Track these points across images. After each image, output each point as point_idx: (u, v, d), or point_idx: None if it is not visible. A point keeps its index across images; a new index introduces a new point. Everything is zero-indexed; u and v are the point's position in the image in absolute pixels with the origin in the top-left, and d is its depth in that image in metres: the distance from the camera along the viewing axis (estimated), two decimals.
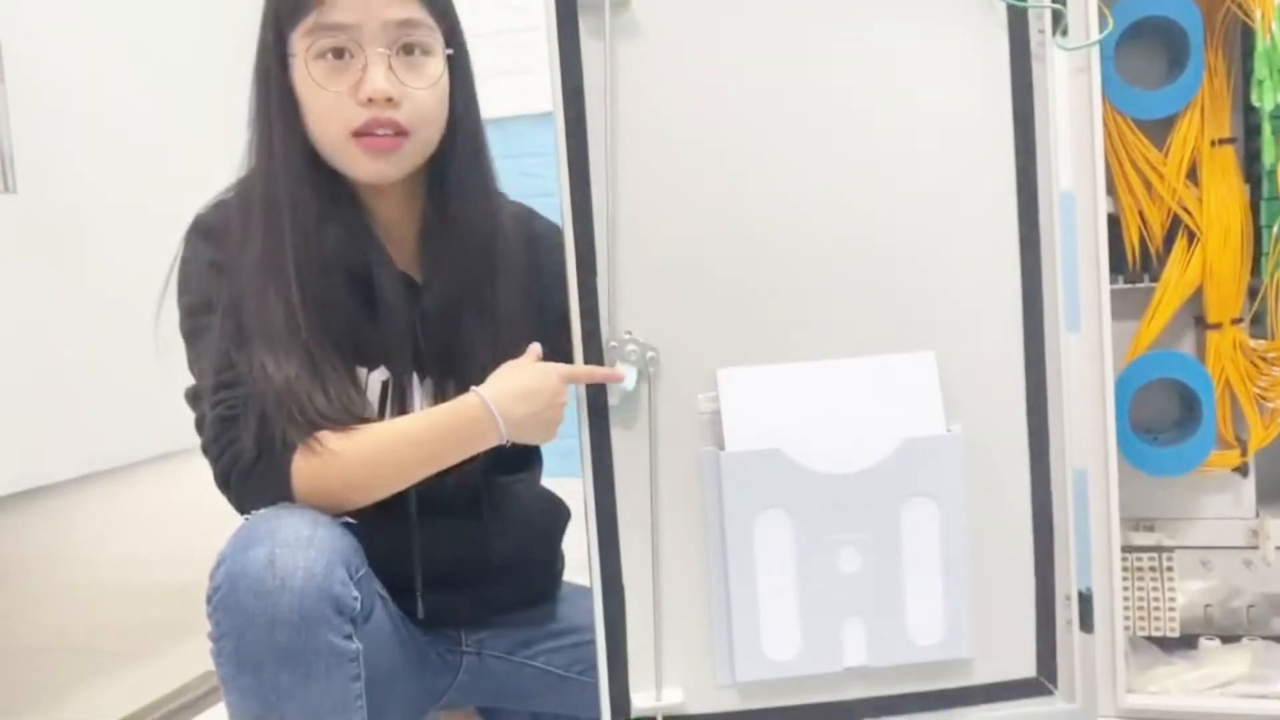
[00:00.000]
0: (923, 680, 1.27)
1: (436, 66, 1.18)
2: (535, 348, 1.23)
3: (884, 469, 1.22)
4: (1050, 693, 1.28)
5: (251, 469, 1.11)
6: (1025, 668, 1.28)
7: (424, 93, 1.15)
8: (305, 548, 1.05)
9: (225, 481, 1.13)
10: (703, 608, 1.25)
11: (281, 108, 1.13)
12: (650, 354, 1.21)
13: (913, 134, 1.23)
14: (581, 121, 1.20)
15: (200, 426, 1.15)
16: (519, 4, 2.33)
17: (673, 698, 1.24)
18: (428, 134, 1.19)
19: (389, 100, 1.11)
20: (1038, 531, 1.27)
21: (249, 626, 1.02)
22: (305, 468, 1.11)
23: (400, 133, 1.14)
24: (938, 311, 1.25)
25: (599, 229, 1.21)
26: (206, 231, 1.14)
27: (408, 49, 1.13)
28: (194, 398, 1.16)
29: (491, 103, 2.33)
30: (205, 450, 1.15)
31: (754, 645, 1.23)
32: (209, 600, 1.05)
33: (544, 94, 1.22)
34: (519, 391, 1.17)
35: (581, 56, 1.20)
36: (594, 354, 1.20)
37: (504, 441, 1.18)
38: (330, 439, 1.11)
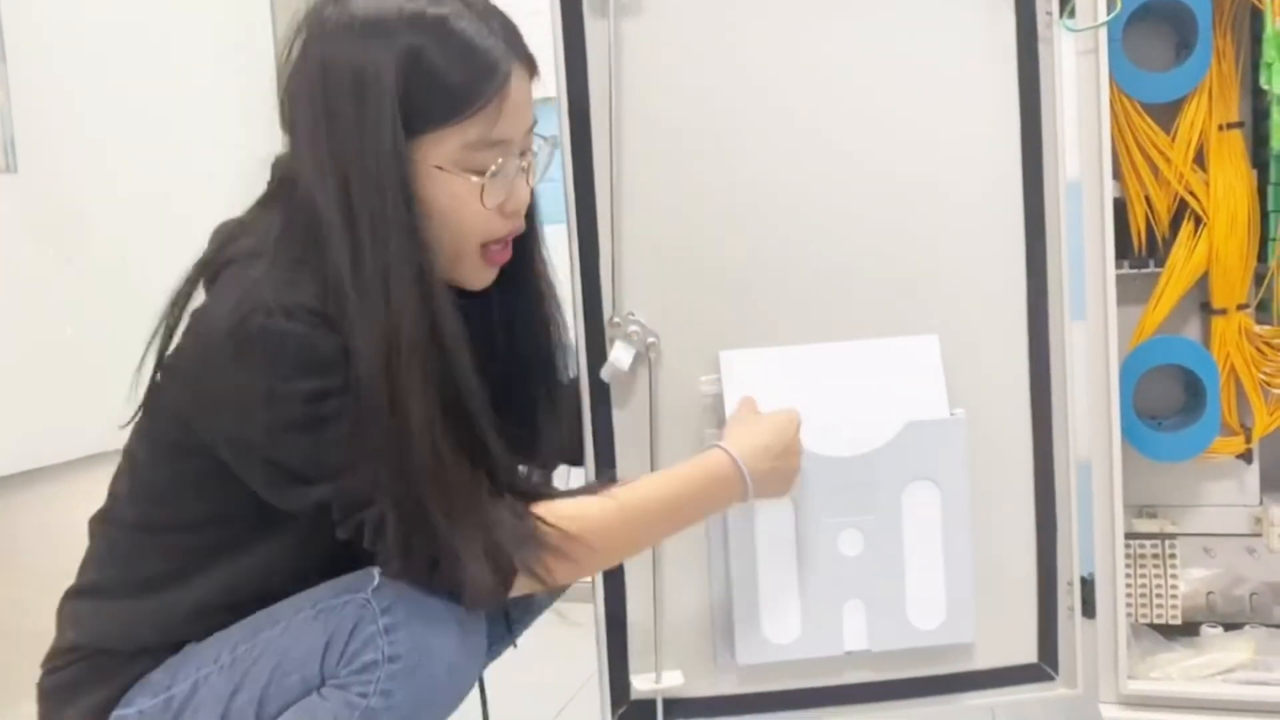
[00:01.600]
0: (923, 665, 1.26)
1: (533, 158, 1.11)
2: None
3: (886, 452, 1.22)
4: (1052, 679, 1.28)
5: (459, 589, 0.96)
6: (1027, 653, 1.28)
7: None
8: (480, 624, 1.00)
9: (425, 586, 0.97)
10: (703, 591, 1.24)
11: (417, 220, 0.95)
12: (651, 340, 1.20)
13: (918, 116, 1.23)
14: (585, 104, 1.20)
15: (375, 530, 0.95)
16: None
17: (672, 681, 1.24)
18: None
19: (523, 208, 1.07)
20: (1040, 517, 1.27)
21: (429, 704, 0.96)
22: (562, 568, 0.99)
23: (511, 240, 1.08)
24: (942, 296, 1.24)
25: (602, 212, 1.20)
26: (324, 318, 0.94)
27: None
28: (349, 501, 0.95)
29: None
30: (391, 557, 0.96)
31: (754, 628, 1.23)
32: (372, 667, 0.94)
33: (549, 79, 1.22)
34: (763, 447, 1.10)
35: (585, 38, 1.19)
36: (595, 334, 1.20)
37: (748, 500, 1.11)
38: (584, 530, 0.99)
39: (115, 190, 1.82)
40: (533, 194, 1.11)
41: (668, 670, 1.24)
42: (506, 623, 1.30)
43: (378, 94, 0.94)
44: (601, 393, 1.21)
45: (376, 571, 0.99)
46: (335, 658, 0.96)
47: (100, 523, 1.10)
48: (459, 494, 0.95)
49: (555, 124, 1.19)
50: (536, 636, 2.09)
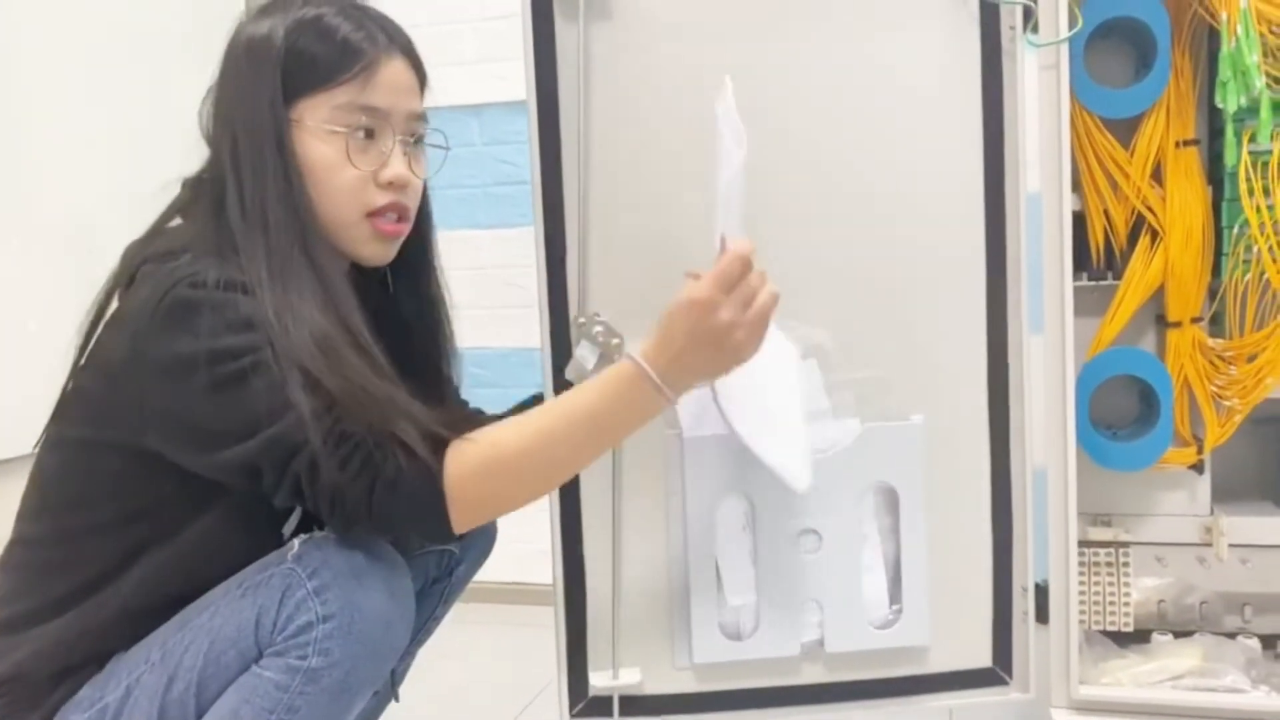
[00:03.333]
0: (879, 667, 1.28)
1: (424, 157, 1.19)
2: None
3: (846, 456, 1.23)
4: (1005, 683, 1.30)
5: (399, 485, 0.97)
6: (981, 658, 1.30)
7: (419, 182, 1.16)
8: (406, 572, 1.04)
9: (367, 508, 0.98)
10: (662, 589, 1.25)
11: (291, 173, 1.06)
12: (615, 340, 1.22)
13: (882, 126, 1.24)
14: (554, 107, 1.21)
15: (309, 473, 0.97)
16: None
17: (630, 678, 1.25)
18: (413, 220, 1.18)
19: (405, 187, 1.12)
20: (996, 523, 1.29)
21: (368, 657, 0.98)
22: (464, 465, 0.99)
23: (406, 219, 1.15)
24: (903, 304, 1.26)
25: (569, 213, 1.22)
26: (240, 286, 1.01)
27: (415, 140, 1.14)
28: (280, 452, 0.97)
29: (469, 89, 2.35)
30: (332, 488, 0.97)
31: (711, 627, 1.24)
32: (307, 629, 0.96)
33: (522, 81, 1.23)
34: (666, 336, 1.03)
35: (556, 42, 1.21)
36: (560, 334, 1.21)
37: (666, 389, 1.03)
38: (483, 433, 1.01)
39: (82, 181, 1.81)
40: (426, 201, 1.19)
41: (625, 667, 1.25)
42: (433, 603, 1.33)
43: (261, 66, 1.07)
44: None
45: (296, 541, 1.01)
46: (269, 627, 0.97)
47: (10, 552, 1.09)
48: (375, 400, 0.99)
49: (524, 125, 1.21)
50: (500, 639, 2.10)
